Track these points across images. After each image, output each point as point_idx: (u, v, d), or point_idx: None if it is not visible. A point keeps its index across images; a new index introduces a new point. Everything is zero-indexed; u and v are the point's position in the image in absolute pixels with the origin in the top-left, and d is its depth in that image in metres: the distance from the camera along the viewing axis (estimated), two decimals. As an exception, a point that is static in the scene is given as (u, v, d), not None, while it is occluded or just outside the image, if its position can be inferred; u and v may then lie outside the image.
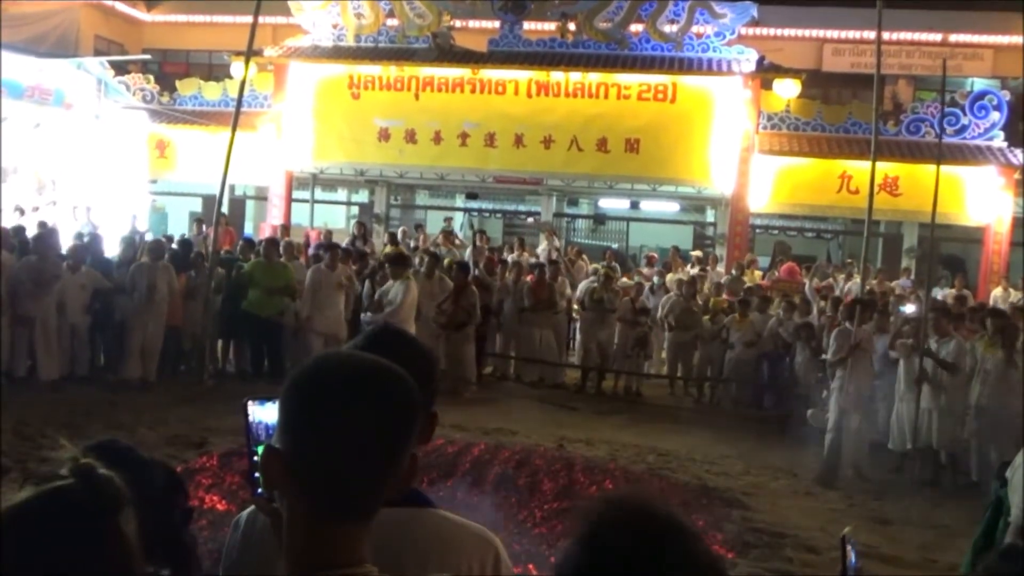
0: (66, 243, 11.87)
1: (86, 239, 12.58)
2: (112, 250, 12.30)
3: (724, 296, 13.75)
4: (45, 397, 9.63)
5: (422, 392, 1.82)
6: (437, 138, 18.10)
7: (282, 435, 1.32)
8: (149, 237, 13.70)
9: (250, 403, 1.44)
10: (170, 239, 13.73)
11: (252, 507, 1.70)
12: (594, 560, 1.14)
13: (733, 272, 15.52)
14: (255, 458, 1.37)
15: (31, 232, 11.89)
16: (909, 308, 11.36)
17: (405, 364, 1.46)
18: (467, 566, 1.70)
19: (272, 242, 12.39)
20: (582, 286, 13.23)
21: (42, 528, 1.17)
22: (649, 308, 12.89)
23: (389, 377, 1.35)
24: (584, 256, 17.19)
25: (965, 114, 16.95)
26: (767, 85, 17.24)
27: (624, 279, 14.51)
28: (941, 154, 11.71)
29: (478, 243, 15.79)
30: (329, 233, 16.57)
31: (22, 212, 14.64)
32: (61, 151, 17.19)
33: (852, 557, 1.34)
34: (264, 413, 1.42)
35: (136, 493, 1.89)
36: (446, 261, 13.35)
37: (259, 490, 1.38)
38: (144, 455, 2.07)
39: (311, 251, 13.98)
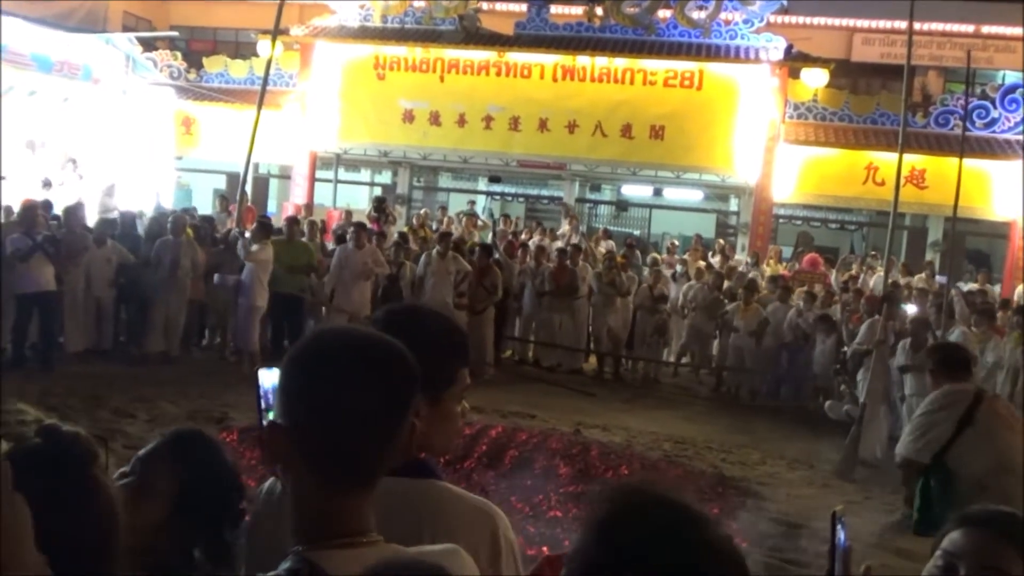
0: (91, 217, 11.96)
1: (114, 214, 12.67)
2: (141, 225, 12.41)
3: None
4: (70, 369, 9.75)
5: (450, 359, 1.77)
6: (461, 121, 18.08)
7: (284, 409, 1.35)
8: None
9: (261, 371, 1.46)
10: (190, 213, 13.81)
11: (270, 480, 1.72)
12: (609, 549, 1.06)
13: (750, 260, 15.45)
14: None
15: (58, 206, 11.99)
16: (910, 308, 11.17)
17: (424, 338, 1.46)
18: (464, 540, 1.64)
19: (294, 221, 12.46)
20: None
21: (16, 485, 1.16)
22: (668, 295, 12.86)
23: (386, 348, 1.38)
24: (611, 239, 17.12)
25: (995, 107, 16.73)
26: (795, 74, 17.09)
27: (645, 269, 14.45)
28: (964, 147, 11.56)
29: (502, 226, 15.77)
30: (349, 214, 16.59)
31: (49, 185, 14.77)
32: (88, 126, 17.32)
33: (842, 536, 1.34)
34: (275, 378, 1.42)
35: (203, 484, 1.90)
36: (468, 243, 13.35)
37: None
38: (222, 451, 2.08)
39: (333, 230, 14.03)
